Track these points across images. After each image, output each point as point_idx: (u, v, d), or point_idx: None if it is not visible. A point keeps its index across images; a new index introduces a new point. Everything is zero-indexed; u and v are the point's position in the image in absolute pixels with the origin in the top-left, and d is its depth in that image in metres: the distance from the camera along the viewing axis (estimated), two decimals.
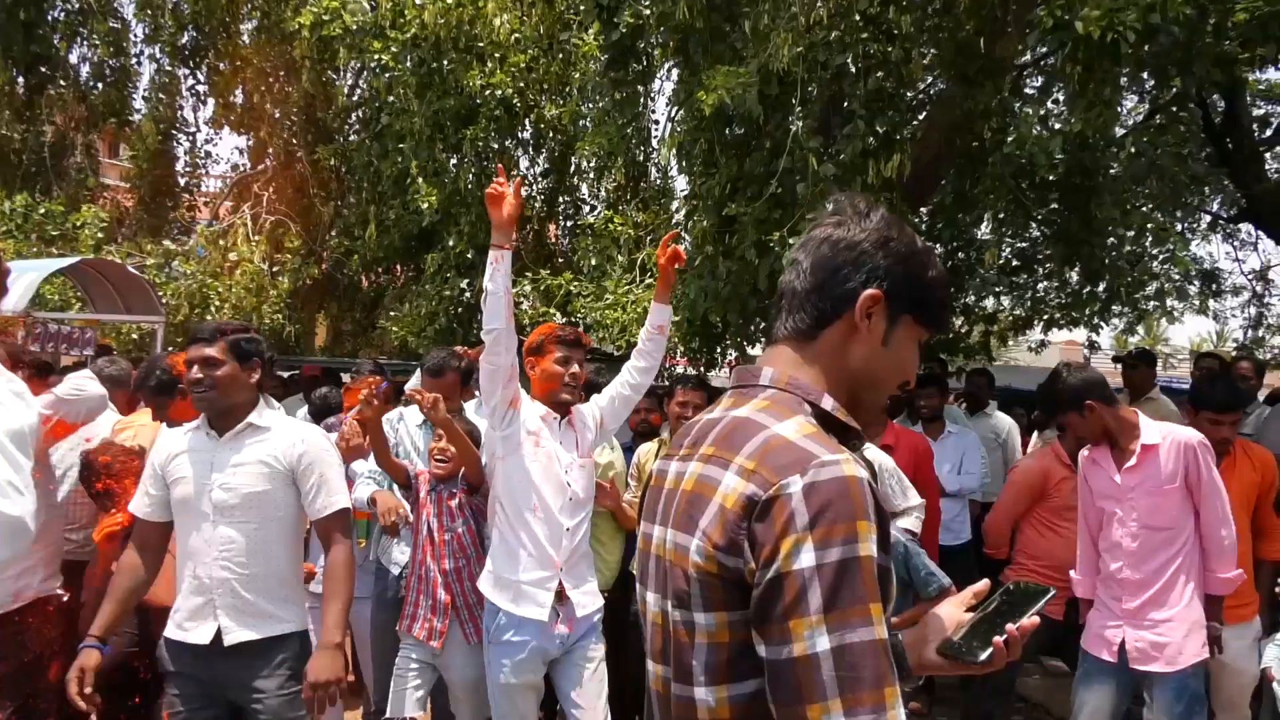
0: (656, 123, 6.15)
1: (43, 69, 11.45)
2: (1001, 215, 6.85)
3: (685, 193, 6.23)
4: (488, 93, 8.43)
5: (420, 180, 8.58)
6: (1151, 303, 9.78)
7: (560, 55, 8.48)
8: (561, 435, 3.53)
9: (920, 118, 5.85)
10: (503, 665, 3.39)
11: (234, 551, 2.82)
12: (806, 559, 1.14)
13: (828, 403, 1.34)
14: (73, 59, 11.83)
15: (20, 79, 11.46)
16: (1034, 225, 7.46)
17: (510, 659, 3.38)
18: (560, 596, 3.40)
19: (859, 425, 1.37)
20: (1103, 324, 9.67)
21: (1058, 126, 4.94)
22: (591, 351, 8.96)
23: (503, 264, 3.23)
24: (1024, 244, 9.61)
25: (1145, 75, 5.11)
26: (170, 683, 2.85)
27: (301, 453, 2.90)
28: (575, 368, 3.53)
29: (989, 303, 10.74)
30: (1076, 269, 7.81)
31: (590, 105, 7.34)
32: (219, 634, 2.77)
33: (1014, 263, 10.00)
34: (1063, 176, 6.11)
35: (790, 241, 4.93)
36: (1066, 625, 5.13)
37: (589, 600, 3.50)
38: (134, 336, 9.14)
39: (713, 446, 1.33)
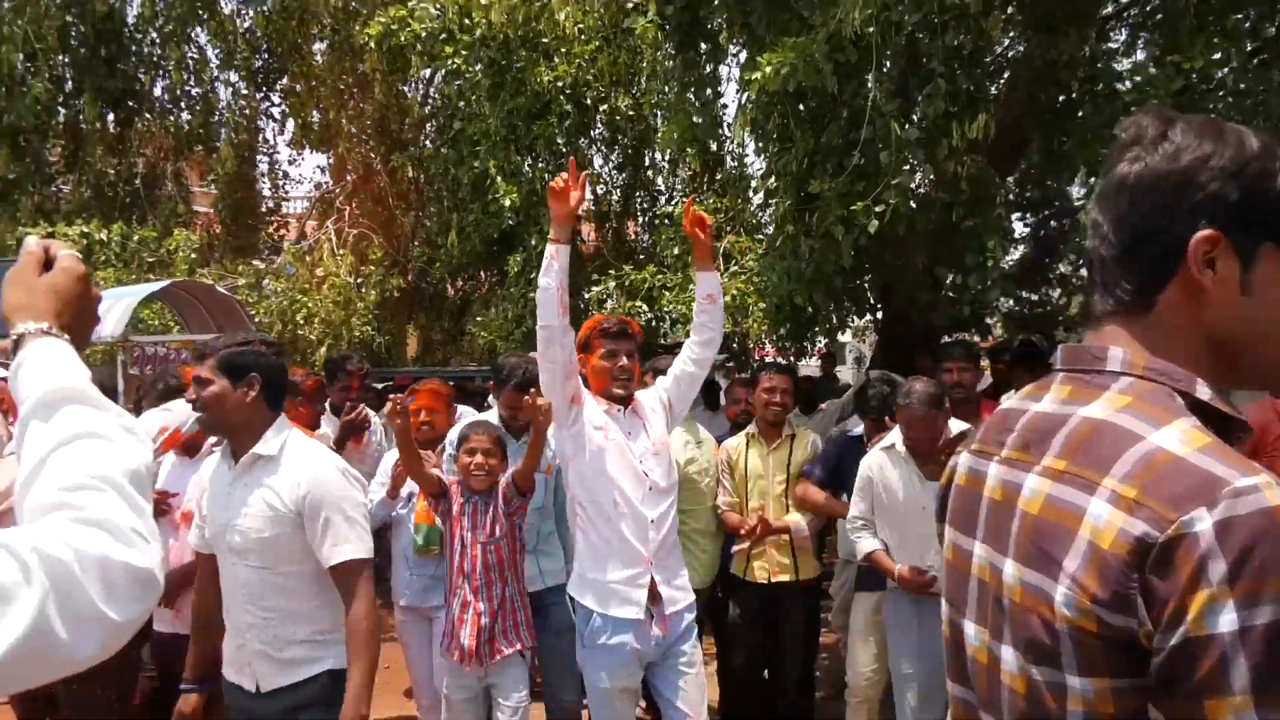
0: (726, 106, 6.01)
1: (130, 103, 11.89)
2: (1095, 173, 6.52)
3: (761, 172, 6.09)
4: (556, 87, 8.41)
5: (499, 179, 8.60)
6: None
7: (626, 45, 8.42)
8: (629, 426, 3.43)
9: (1004, 75, 5.59)
10: (600, 670, 3.29)
11: (253, 595, 2.67)
12: (1227, 622, 0.88)
13: (1204, 391, 1.05)
14: (156, 91, 12.27)
15: (110, 114, 11.93)
16: None
17: (607, 663, 3.28)
18: (653, 595, 3.29)
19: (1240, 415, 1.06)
20: None
21: (1153, 71, 4.63)
22: (668, 346, 8.92)
23: (559, 259, 3.17)
24: None
25: (1241, 15, 4.77)
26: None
27: (305, 494, 2.62)
28: (624, 360, 3.44)
29: (1086, 271, 10.35)
30: None
31: (660, 94, 7.24)
32: (257, 681, 2.71)
33: None
34: None
35: (875, 212, 4.77)
36: None
37: (681, 595, 3.39)
38: None
39: (1062, 459, 1.06)
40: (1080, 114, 4.99)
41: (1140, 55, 5.95)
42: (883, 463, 3.98)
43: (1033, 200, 8.93)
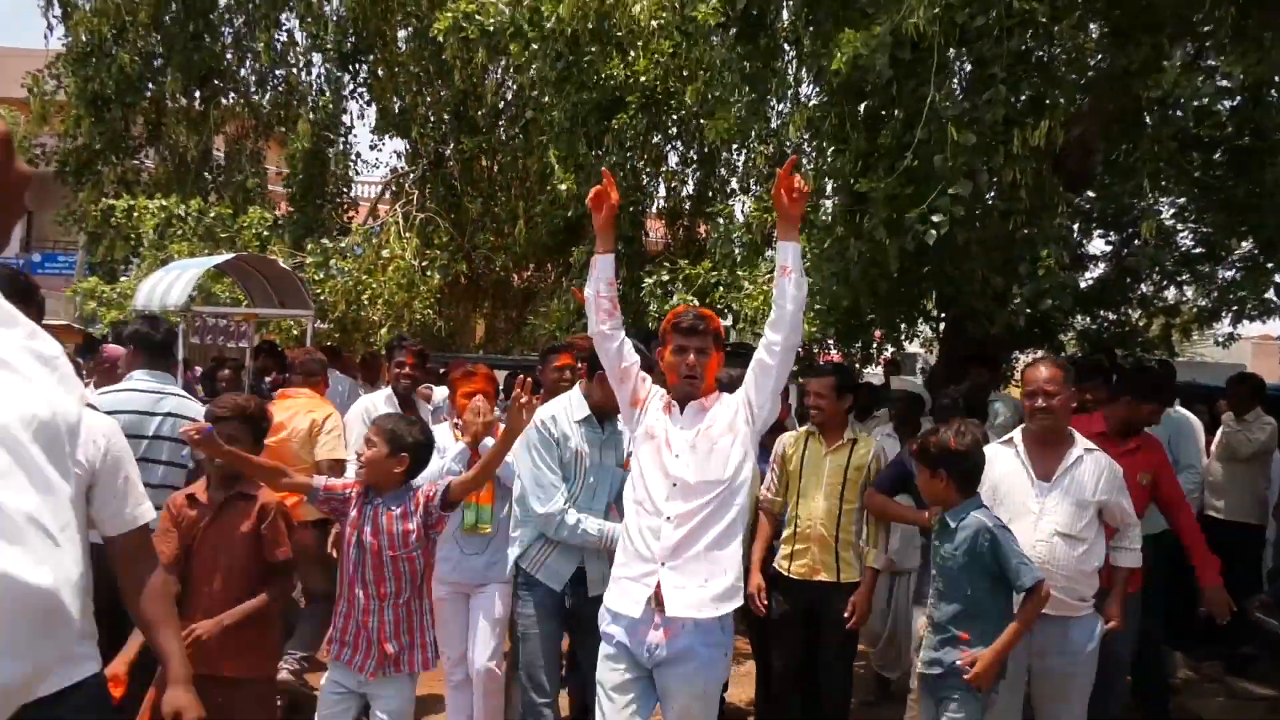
0: (782, 101, 5.99)
1: (215, 81, 12.33)
2: (1162, 183, 6.36)
3: (812, 170, 6.06)
4: (631, 82, 8.47)
5: (558, 166, 8.71)
6: None
7: (697, 39, 8.46)
8: (684, 420, 3.34)
9: (1075, 81, 5.50)
10: (599, 656, 3.34)
11: None
12: None
13: None
14: (242, 71, 12.68)
15: (195, 91, 12.37)
16: (1198, 193, 6.90)
17: (601, 651, 3.33)
18: (656, 596, 3.16)
19: None
20: None
21: (1223, 83, 4.52)
22: (734, 347, 8.94)
23: (597, 267, 3.28)
24: (1207, 229, 8.96)
25: None
26: None
27: (105, 450, 2.38)
28: (691, 357, 3.31)
29: (1170, 293, 10.09)
30: (1254, 245, 7.19)
31: (720, 83, 7.26)
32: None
33: (1194, 249, 9.35)
34: (1230, 136, 5.64)
35: (934, 222, 4.72)
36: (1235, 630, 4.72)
37: (691, 606, 3.15)
38: (294, 332, 9.70)
39: None
40: (1149, 123, 4.90)
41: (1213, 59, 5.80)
42: (996, 456, 3.94)
43: (1111, 216, 8.73)
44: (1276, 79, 5.43)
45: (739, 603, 3.28)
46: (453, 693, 4.61)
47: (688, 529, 3.18)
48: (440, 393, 6.79)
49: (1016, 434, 4.00)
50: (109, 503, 2.37)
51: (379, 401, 5.49)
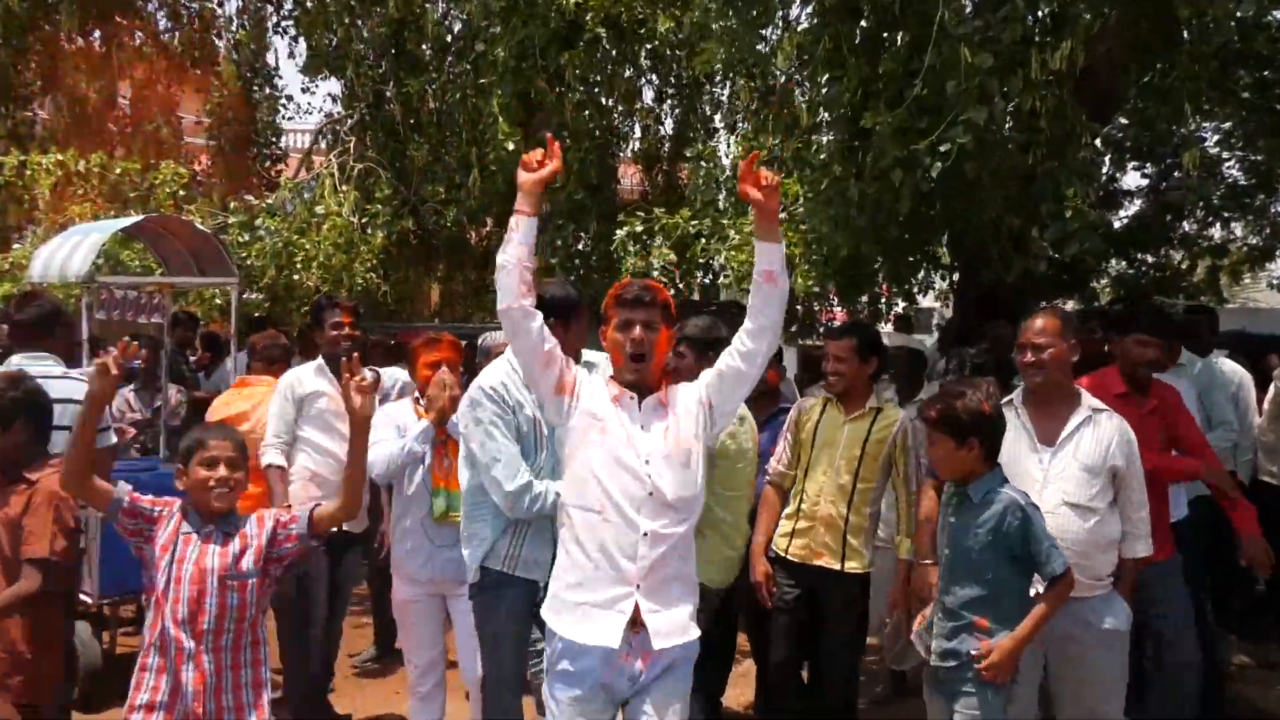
0: (769, 26, 5.88)
1: (118, 18, 12.11)
2: (1205, 108, 6.32)
3: (804, 102, 5.99)
4: (590, 8, 8.35)
5: (500, 119, 8.58)
6: None
7: None
8: (643, 418, 3.25)
9: None
10: (559, 699, 3.19)
11: None
12: None
13: None
14: (150, 7, 12.46)
15: (97, 32, 12.16)
16: (1246, 115, 6.87)
17: (566, 693, 3.17)
18: (635, 622, 3.12)
19: None
20: None
21: None
22: (719, 305, 8.89)
23: (519, 231, 3.13)
24: (1258, 156, 8.95)
25: None
26: None
27: None
28: (637, 331, 3.22)
29: (1216, 231, 10.09)
30: None
31: (698, 6, 7.14)
32: None
33: (1244, 181, 9.33)
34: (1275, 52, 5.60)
35: (939, 151, 4.67)
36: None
37: (675, 632, 3.17)
38: (218, 302, 9.59)
39: None
40: (1188, 40, 4.86)
41: None
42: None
43: (1145, 146, 8.71)
44: None
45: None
46: (420, 704, 4.62)
47: (667, 547, 3.15)
48: (390, 374, 6.64)
49: (1016, 394, 4.01)
50: None
51: (307, 375, 5.31)
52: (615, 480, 3.14)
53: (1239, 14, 4.43)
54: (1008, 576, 3.44)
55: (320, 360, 5.29)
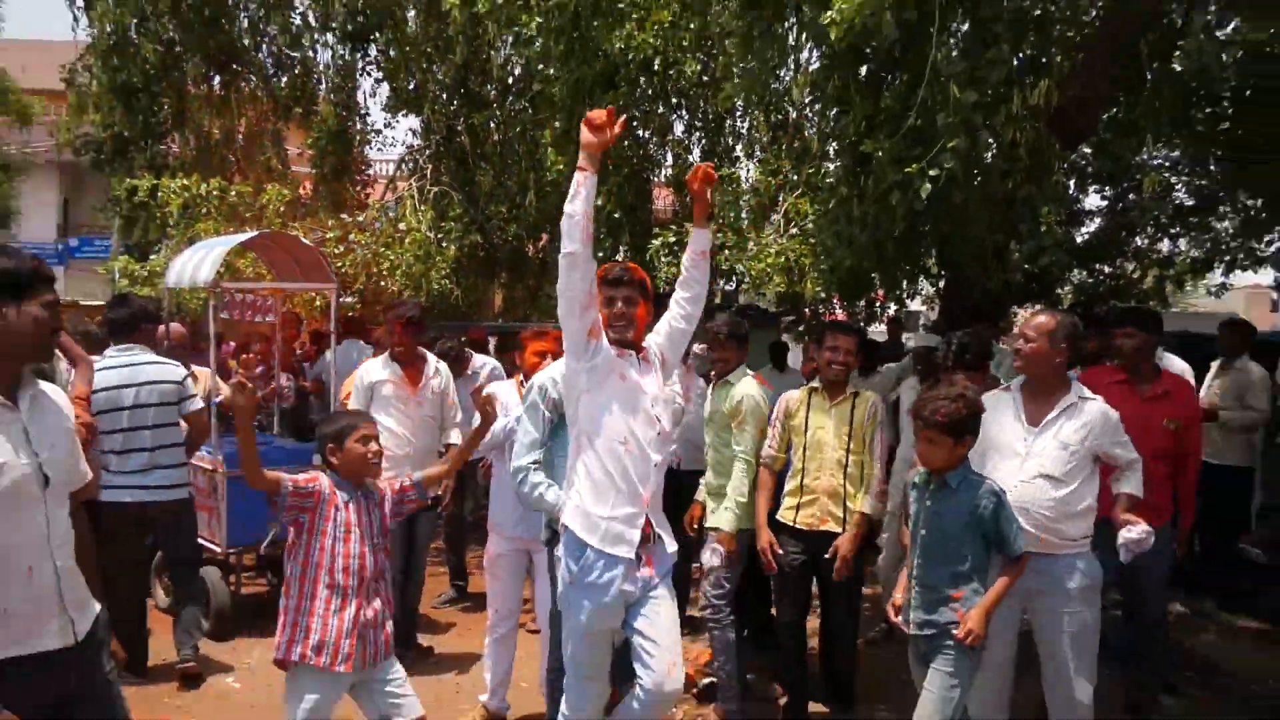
0: (783, 68, 5.82)
1: (234, 66, 12.19)
2: (1164, 139, 6.21)
3: (814, 133, 5.94)
4: (629, 56, 8.31)
5: (550, 150, 8.55)
6: None
7: (700, 11, 8.27)
8: (640, 370, 3.41)
9: (1072, 36, 5.35)
10: (584, 607, 3.29)
11: (61, 537, 2.37)
12: None
13: None
14: (259, 56, 12.51)
15: (215, 77, 12.24)
16: (1200, 146, 6.75)
17: (593, 601, 3.28)
18: (645, 537, 3.30)
19: None
20: None
21: (1227, 33, 4.37)
22: (738, 307, 8.86)
23: (585, 186, 3.15)
24: (1202, 180, 8.81)
25: None
26: None
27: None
28: (619, 306, 3.38)
29: (1164, 245, 9.96)
30: (1253, 196, 7.05)
31: (722, 51, 7.10)
32: (75, 630, 2.38)
33: (1190, 203, 9.21)
34: (1235, 92, 5.50)
35: (929, 175, 4.62)
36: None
37: (669, 540, 3.44)
38: (319, 304, 9.66)
39: None
40: (1152, 80, 4.76)
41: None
42: (996, 402, 3.90)
43: (1106, 172, 8.60)
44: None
45: None
46: (495, 644, 4.64)
47: (661, 475, 3.40)
48: (478, 360, 6.82)
49: (1016, 381, 3.98)
50: (75, 462, 2.49)
51: (375, 366, 5.43)
52: (635, 419, 3.31)
53: (1200, 61, 4.30)
54: (979, 554, 3.39)
55: (387, 354, 5.44)
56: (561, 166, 8.65)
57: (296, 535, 3.31)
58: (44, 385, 2.46)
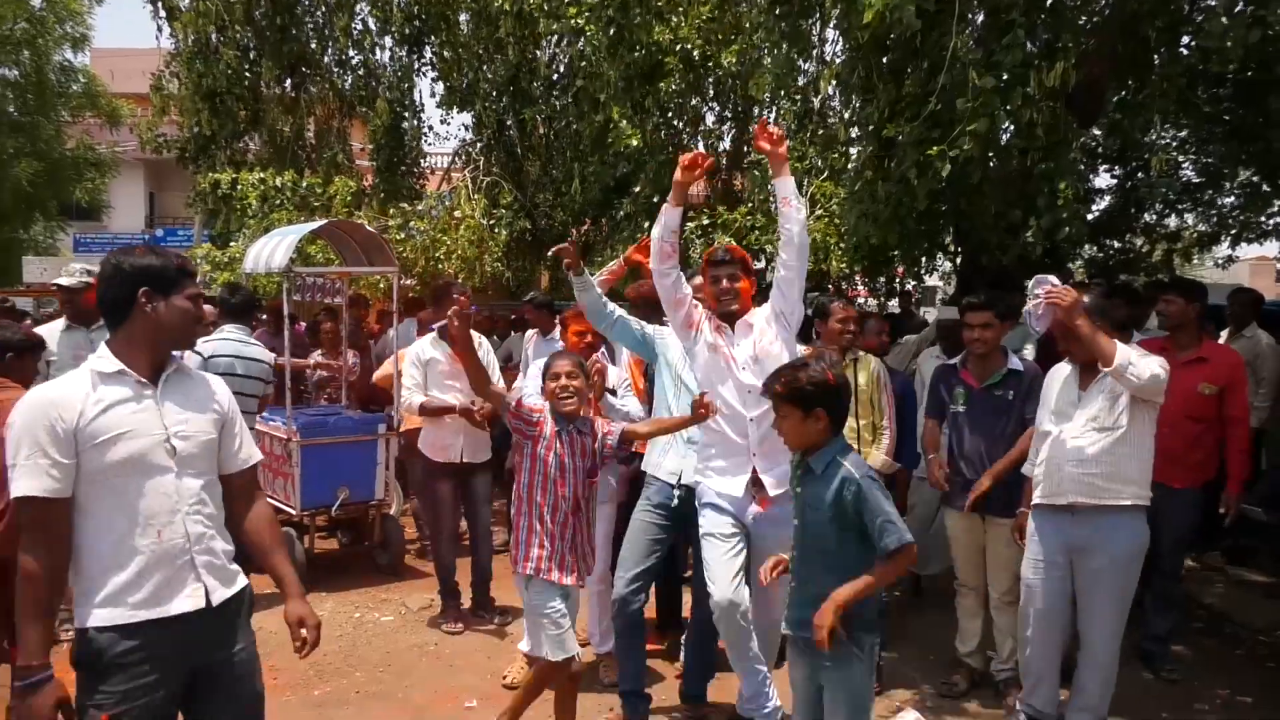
0: (809, 61, 5.70)
1: (303, 69, 12.20)
2: (1170, 119, 5.99)
3: (844, 119, 5.79)
4: (676, 48, 8.16)
5: (624, 123, 8.44)
6: None
7: (734, 4, 8.12)
8: (737, 339, 3.62)
9: (1086, 26, 5.15)
10: (704, 516, 3.63)
11: (200, 504, 2.35)
12: None
13: None
14: (325, 59, 12.51)
15: (286, 79, 12.27)
16: (1210, 127, 6.50)
17: (710, 512, 3.61)
18: (755, 480, 3.55)
19: None
20: None
21: (1225, 21, 4.15)
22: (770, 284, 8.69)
23: (667, 215, 3.52)
24: (1208, 158, 8.49)
25: None
26: (111, 678, 2.17)
27: (228, 399, 2.53)
28: (725, 283, 3.62)
29: (1171, 220, 9.66)
30: (1255, 172, 6.78)
31: (760, 46, 6.96)
32: (208, 595, 2.32)
33: (1196, 179, 8.90)
34: (1236, 71, 5.27)
35: (950, 156, 4.48)
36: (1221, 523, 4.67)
37: (779, 485, 3.54)
38: (382, 286, 9.68)
39: None
40: (1159, 61, 4.57)
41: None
42: (1058, 370, 3.92)
43: (1115, 152, 8.32)
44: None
45: None
46: (598, 601, 4.64)
47: (767, 425, 3.35)
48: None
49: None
50: (230, 443, 2.51)
51: (426, 345, 5.46)
52: (726, 386, 3.57)
53: (1203, 41, 4.11)
54: (852, 549, 2.72)
55: (435, 333, 5.44)
56: (634, 139, 8.52)
57: (518, 461, 3.55)
58: (198, 373, 2.53)
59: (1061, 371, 3.87)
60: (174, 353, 2.43)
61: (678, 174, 3.49)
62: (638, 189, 8.66)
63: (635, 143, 8.43)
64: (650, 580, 3.99)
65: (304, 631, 2.52)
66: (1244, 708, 4.35)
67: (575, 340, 4.55)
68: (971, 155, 4.44)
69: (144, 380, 2.31)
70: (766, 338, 3.59)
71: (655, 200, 8.78)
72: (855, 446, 4.36)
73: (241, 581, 2.46)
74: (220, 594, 2.35)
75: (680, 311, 3.61)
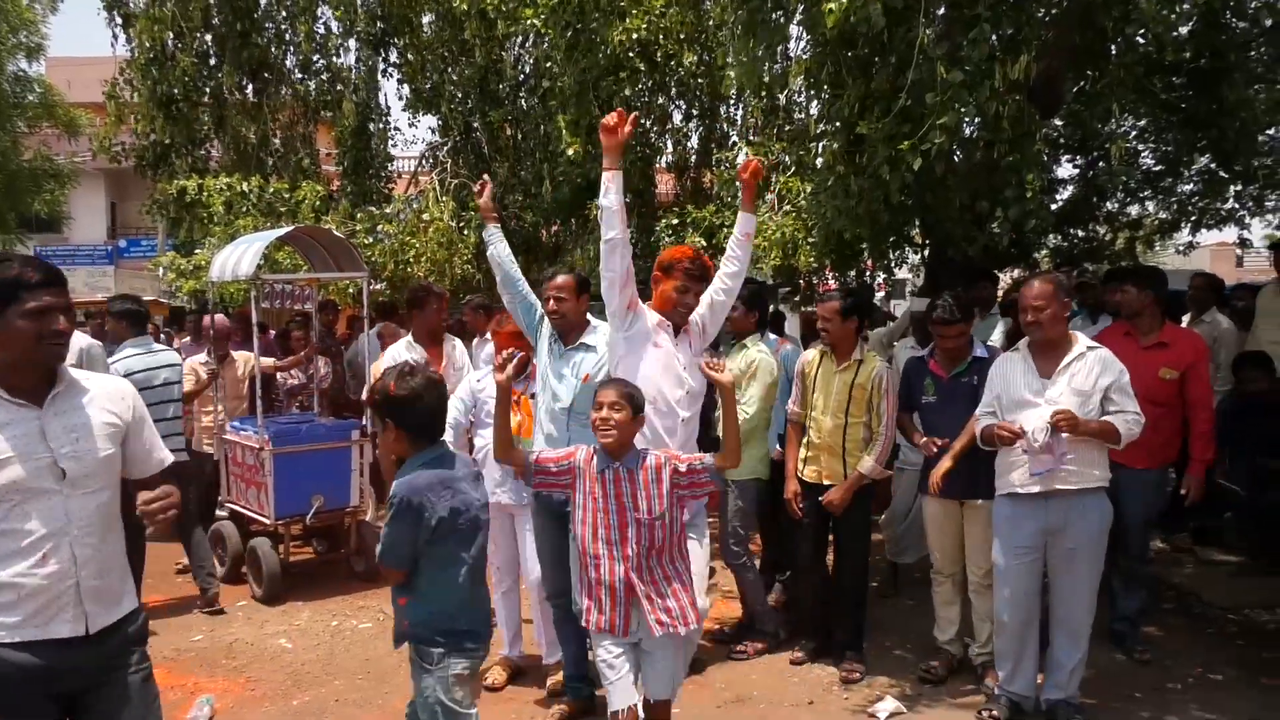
0: (775, 61, 5.72)
1: (265, 74, 12.03)
2: (1129, 108, 6.09)
3: (815, 116, 5.82)
4: (629, 44, 8.14)
5: (565, 133, 8.43)
6: None
7: (694, 5, 8.11)
8: (676, 341, 3.63)
9: (1041, 16, 5.22)
10: None
11: (89, 526, 2.25)
12: None
13: None
14: (288, 64, 12.34)
15: (249, 85, 12.09)
16: (1161, 114, 6.61)
17: None
18: None
19: None
20: (1252, 219, 8.61)
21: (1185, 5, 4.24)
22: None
23: (614, 182, 3.41)
24: (1168, 146, 8.62)
25: None
26: None
27: (132, 404, 2.41)
28: (690, 298, 3.62)
29: (1133, 209, 9.80)
30: (1212, 159, 6.91)
31: (718, 42, 6.97)
32: (88, 623, 2.23)
33: (1155, 168, 9.04)
34: (1190, 59, 5.36)
35: (922, 150, 4.51)
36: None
37: None
38: (351, 291, 9.59)
39: None
40: (1114, 50, 4.64)
41: None
42: (1007, 361, 4.02)
43: (1078, 142, 8.42)
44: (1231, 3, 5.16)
45: None
46: (502, 600, 4.55)
47: (691, 428, 3.64)
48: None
49: (1023, 342, 4.00)
50: (138, 448, 2.42)
51: (399, 350, 5.56)
52: (666, 381, 3.51)
53: (1158, 29, 4.18)
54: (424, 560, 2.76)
55: (410, 337, 5.45)
56: (574, 148, 8.48)
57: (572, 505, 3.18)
58: (94, 382, 2.39)
59: (1014, 361, 3.95)
60: (62, 367, 2.29)
61: (602, 138, 3.38)
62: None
63: (573, 153, 8.35)
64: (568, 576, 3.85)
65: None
66: (1214, 685, 4.42)
67: (505, 338, 4.37)
68: (942, 149, 4.49)
69: (21, 402, 2.20)
70: (697, 345, 3.69)
71: (628, 199, 8.75)
72: (844, 446, 4.45)
73: (130, 604, 2.37)
74: (102, 620, 2.26)
75: (628, 290, 3.48)
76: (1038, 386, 3.81)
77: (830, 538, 4.69)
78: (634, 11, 8.05)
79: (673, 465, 3.12)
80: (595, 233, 9.38)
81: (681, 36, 8.31)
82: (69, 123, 19.52)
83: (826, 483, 4.48)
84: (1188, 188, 8.96)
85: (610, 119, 3.37)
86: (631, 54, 8.16)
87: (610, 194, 3.41)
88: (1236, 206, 8.82)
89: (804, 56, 4.90)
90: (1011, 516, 3.90)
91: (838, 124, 5.03)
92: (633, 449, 3.14)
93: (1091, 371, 3.77)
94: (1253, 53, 6.01)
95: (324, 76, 12.28)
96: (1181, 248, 10.55)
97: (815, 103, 5.63)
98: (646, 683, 3.15)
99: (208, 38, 11.50)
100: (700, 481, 3.15)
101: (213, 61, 11.67)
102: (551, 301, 3.83)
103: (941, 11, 4.91)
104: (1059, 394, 3.76)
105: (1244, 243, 9.55)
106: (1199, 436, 4.55)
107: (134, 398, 2.44)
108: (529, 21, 8.61)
